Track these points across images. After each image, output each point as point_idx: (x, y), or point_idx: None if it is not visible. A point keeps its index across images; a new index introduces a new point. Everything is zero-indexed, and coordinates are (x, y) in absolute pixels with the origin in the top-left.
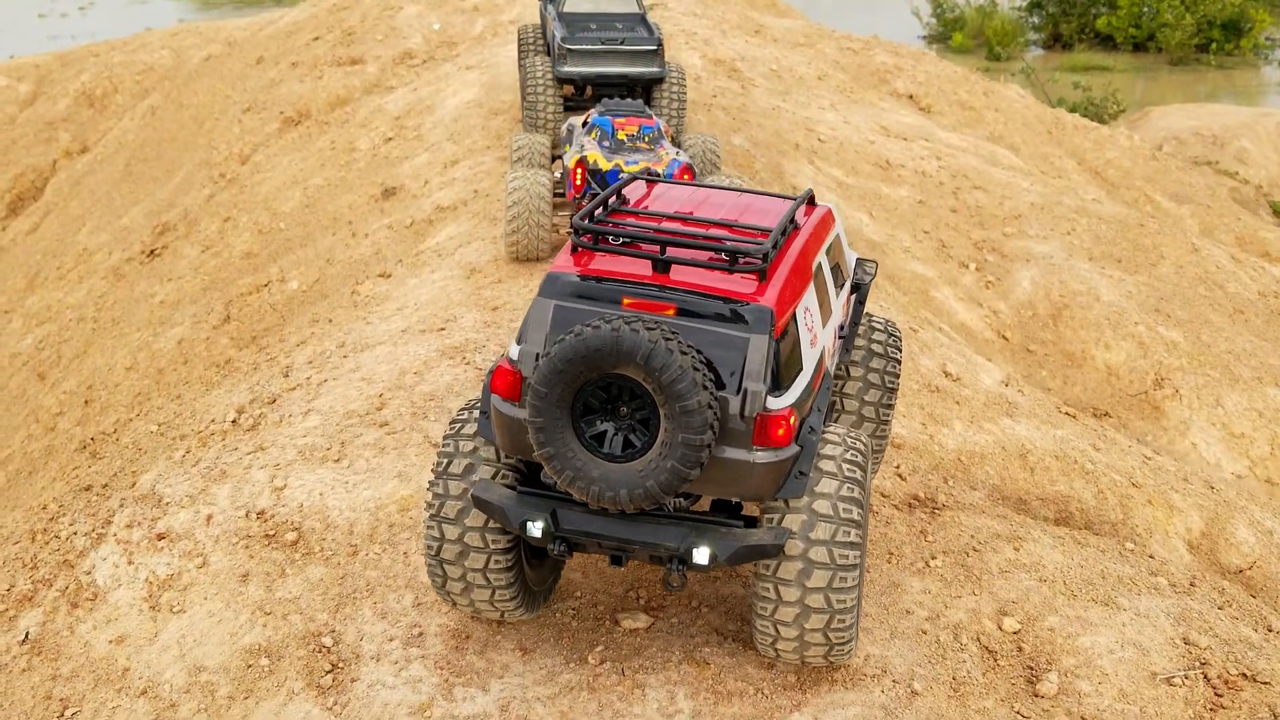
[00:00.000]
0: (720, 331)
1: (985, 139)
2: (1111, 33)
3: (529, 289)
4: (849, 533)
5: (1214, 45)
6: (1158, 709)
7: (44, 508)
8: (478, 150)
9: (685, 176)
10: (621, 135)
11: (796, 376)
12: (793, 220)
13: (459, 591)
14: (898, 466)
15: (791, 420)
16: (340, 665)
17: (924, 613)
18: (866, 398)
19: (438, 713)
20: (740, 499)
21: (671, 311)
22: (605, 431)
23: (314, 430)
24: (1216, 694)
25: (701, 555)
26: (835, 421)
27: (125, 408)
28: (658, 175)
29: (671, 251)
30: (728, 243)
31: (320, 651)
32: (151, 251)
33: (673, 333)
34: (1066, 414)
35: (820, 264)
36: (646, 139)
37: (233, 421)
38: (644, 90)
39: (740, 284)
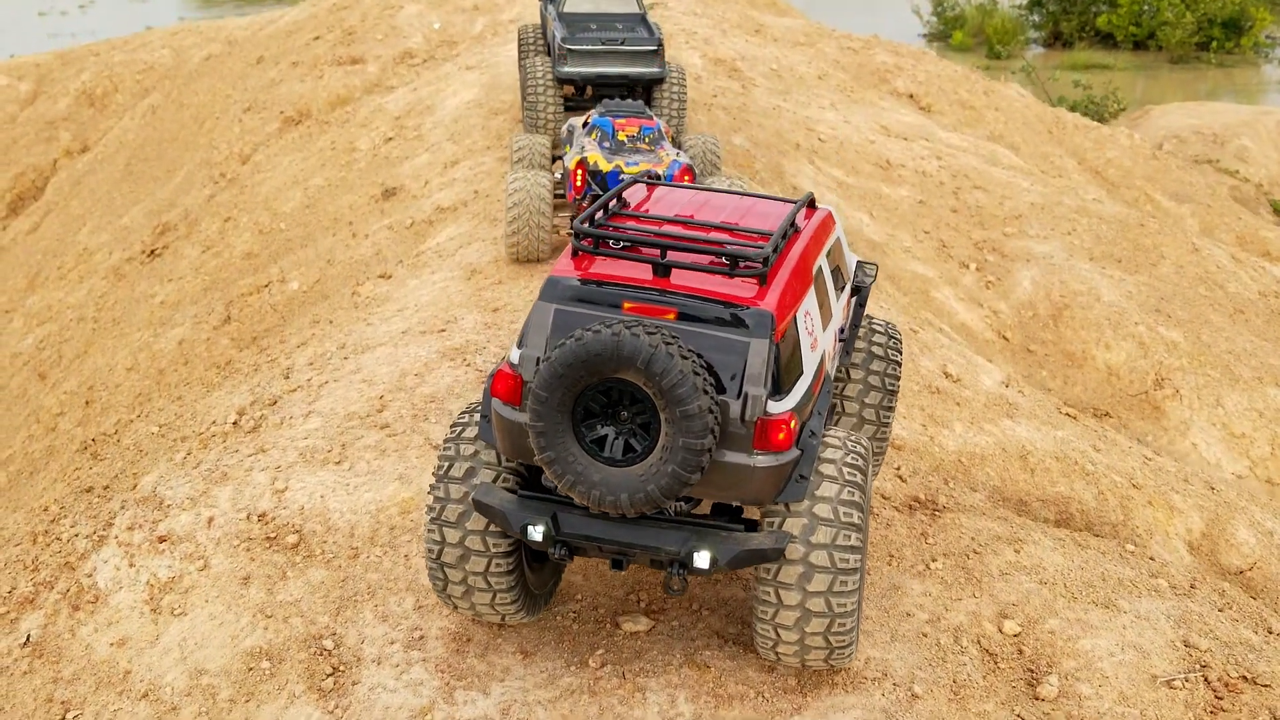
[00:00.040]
0: (721, 336)
1: (985, 138)
2: (1112, 31)
3: (529, 290)
4: (849, 536)
5: (1214, 43)
6: (1158, 712)
7: (45, 509)
8: (478, 150)
9: (686, 177)
10: (622, 136)
11: (797, 380)
12: (793, 224)
13: (460, 595)
14: (898, 468)
15: (792, 424)
16: (341, 668)
17: (924, 615)
18: (867, 400)
19: (439, 716)
20: (741, 503)
21: (672, 316)
22: (606, 436)
23: (315, 432)
24: (1217, 696)
25: (702, 559)
26: (835, 424)
27: (126, 408)
28: (658, 177)
29: (672, 255)
30: (728, 247)
31: (321, 654)
32: (152, 251)
33: (673, 337)
34: (1067, 415)
35: (821, 267)
36: (647, 140)
37: (234, 423)
38: (644, 90)
39: (741, 288)
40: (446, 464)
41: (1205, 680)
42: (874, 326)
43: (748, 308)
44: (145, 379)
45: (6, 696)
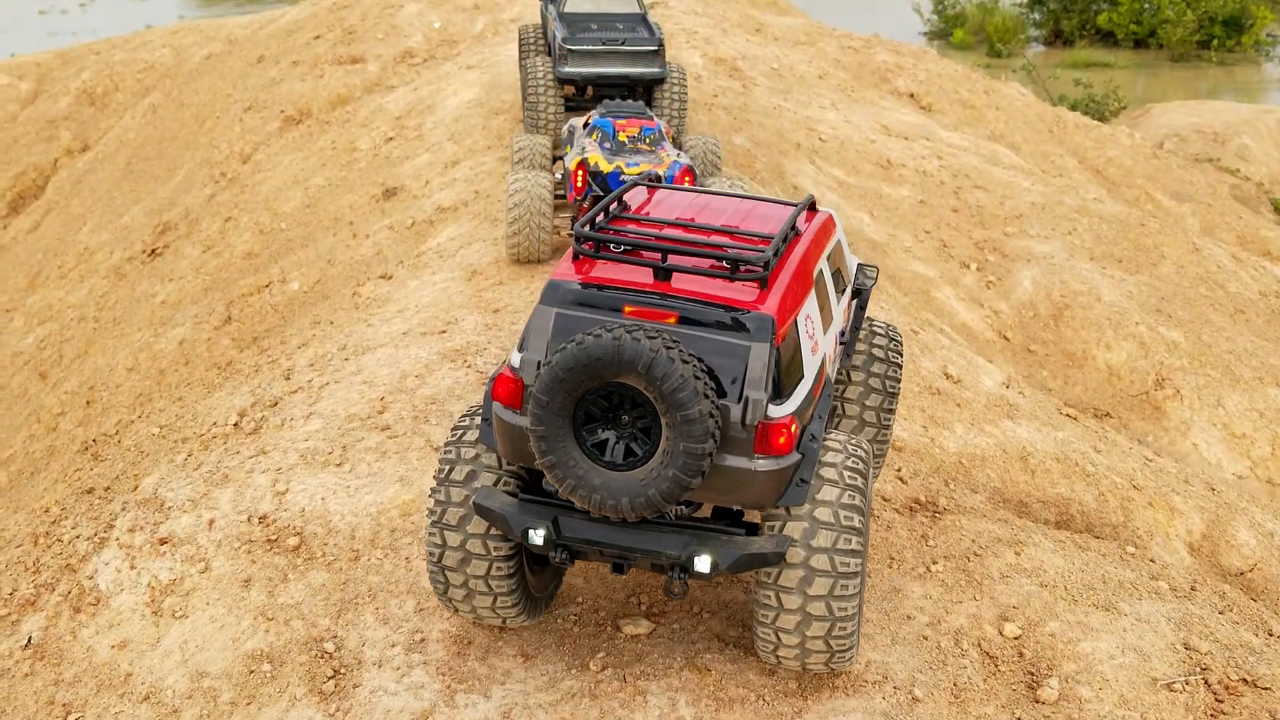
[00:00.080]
0: (721, 340)
1: (986, 138)
2: (1113, 29)
3: (530, 291)
4: (850, 540)
5: (1215, 42)
6: (1158, 715)
7: (46, 511)
8: (479, 150)
9: (686, 178)
10: (622, 137)
11: (798, 384)
12: (794, 227)
13: (461, 598)
14: (899, 470)
15: (793, 428)
16: (342, 671)
17: (925, 618)
18: (868, 402)
19: (439, 719)
20: (741, 507)
21: (673, 320)
22: (607, 440)
23: (316, 434)
24: (1217, 700)
25: (703, 563)
26: (836, 426)
27: (127, 409)
28: (659, 178)
29: (673, 259)
30: (729, 251)
31: (322, 657)
32: (153, 251)
33: (674, 341)
34: (1067, 416)
35: (821, 270)
36: (647, 140)
37: (234, 424)
38: (645, 91)
39: (741, 292)
40: (447, 467)
41: (1205, 683)
42: (874, 329)
43: (748, 312)
44: (146, 379)
45: (8, 699)
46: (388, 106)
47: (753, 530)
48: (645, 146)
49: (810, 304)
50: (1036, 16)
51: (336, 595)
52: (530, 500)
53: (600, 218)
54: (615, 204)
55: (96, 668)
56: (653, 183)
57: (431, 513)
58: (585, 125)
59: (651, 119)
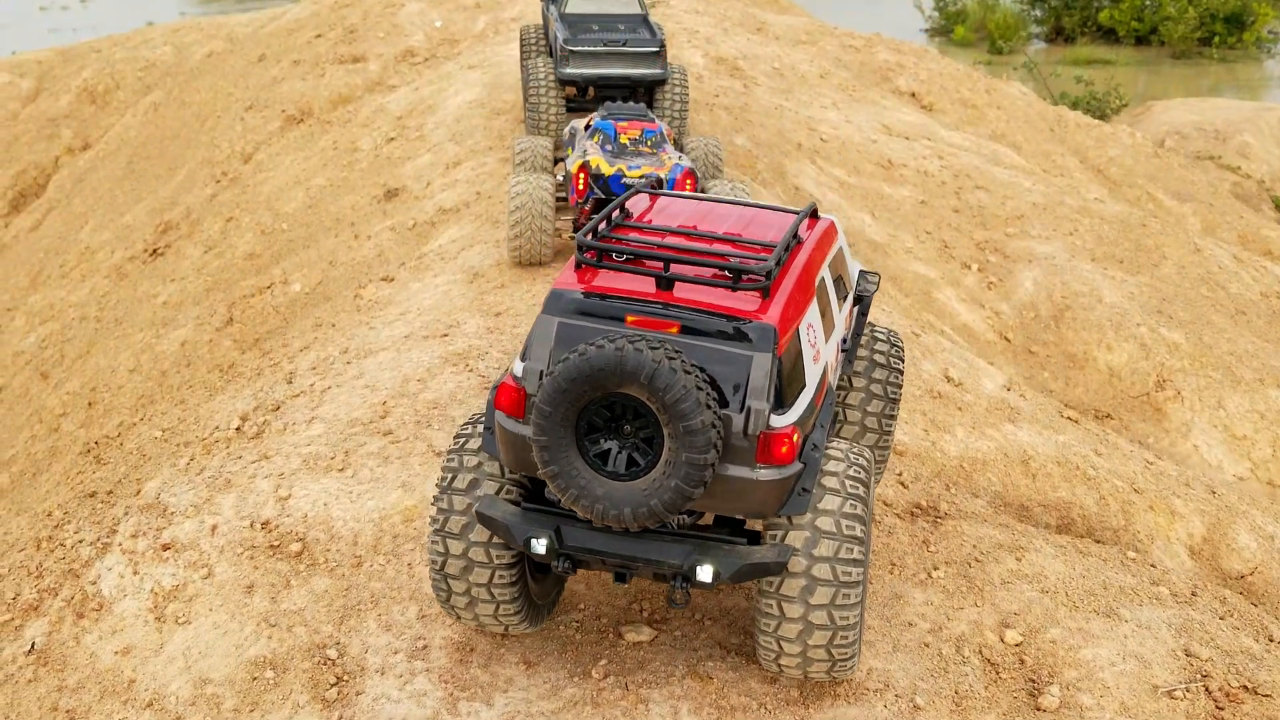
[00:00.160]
0: (724, 349)
1: (987, 137)
2: (1114, 26)
3: (531, 294)
4: (852, 549)
5: (1216, 39)
6: None
7: (49, 514)
8: (480, 151)
9: (688, 181)
10: (624, 139)
11: (799, 394)
12: (795, 235)
13: (463, 606)
14: (900, 474)
15: (795, 438)
16: (345, 678)
17: (926, 625)
18: (869, 408)
19: None
20: (743, 516)
21: (675, 329)
22: (609, 450)
23: (318, 439)
24: (1218, 707)
25: (705, 573)
26: (837, 432)
27: (129, 410)
28: (661, 181)
29: (675, 268)
30: (731, 260)
31: (325, 664)
32: (154, 250)
33: (676, 351)
34: (1068, 419)
35: (823, 278)
36: (649, 143)
37: (237, 429)
38: (647, 92)
39: (743, 301)
40: (450, 475)
41: (1206, 690)
42: (876, 334)
43: (751, 322)
44: (148, 380)
45: (12, 705)
46: (389, 106)
47: (755, 539)
48: (647, 149)
49: (812, 313)
50: (1038, 13)
51: (339, 601)
52: (533, 509)
53: (603, 226)
54: (617, 212)
55: (100, 674)
56: (655, 189)
57: (434, 521)
58: (587, 127)
59: (653, 121)
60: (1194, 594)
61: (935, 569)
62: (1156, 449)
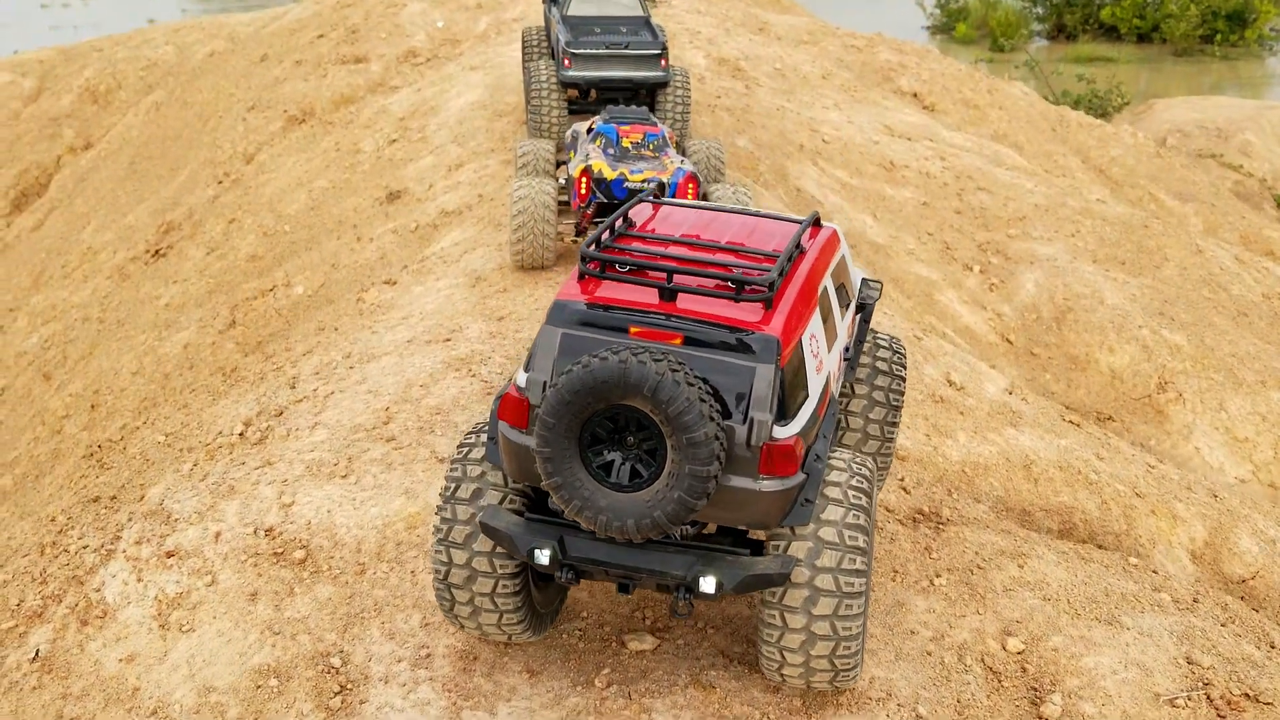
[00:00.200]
0: (727, 360)
1: (989, 137)
2: (1116, 24)
3: (534, 299)
4: (855, 560)
5: (1218, 36)
6: None
7: (52, 520)
8: (482, 153)
9: (690, 185)
10: (626, 143)
11: (802, 404)
12: (798, 245)
13: (467, 615)
14: (902, 479)
15: (798, 449)
16: (349, 686)
17: (929, 633)
18: (871, 415)
19: None
20: (746, 526)
21: (678, 340)
22: (613, 461)
23: (321, 445)
24: (1219, 715)
25: (708, 584)
26: (840, 440)
27: (132, 413)
28: (663, 185)
29: (678, 279)
30: (734, 271)
31: (329, 672)
32: (156, 251)
33: (679, 363)
34: (1070, 422)
35: (826, 288)
36: (651, 147)
37: (240, 434)
38: (648, 94)
39: (746, 312)
40: (453, 485)
41: (1208, 698)
42: (878, 341)
43: (753, 333)
44: (151, 383)
45: (16, 712)
46: (391, 107)
47: (758, 549)
48: (649, 152)
49: (815, 323)
50: (1039, 11)
51: (343, 609)
52: (536, 520)
53: (605, 236)
54: (620, 221)
55: (104, 681)
56: (657, 197)
57: (438, 530)
58: (589, 131)
59: (655, 125)
60: (1195, 600)
61: (937, 576)
62: (1158, 451)
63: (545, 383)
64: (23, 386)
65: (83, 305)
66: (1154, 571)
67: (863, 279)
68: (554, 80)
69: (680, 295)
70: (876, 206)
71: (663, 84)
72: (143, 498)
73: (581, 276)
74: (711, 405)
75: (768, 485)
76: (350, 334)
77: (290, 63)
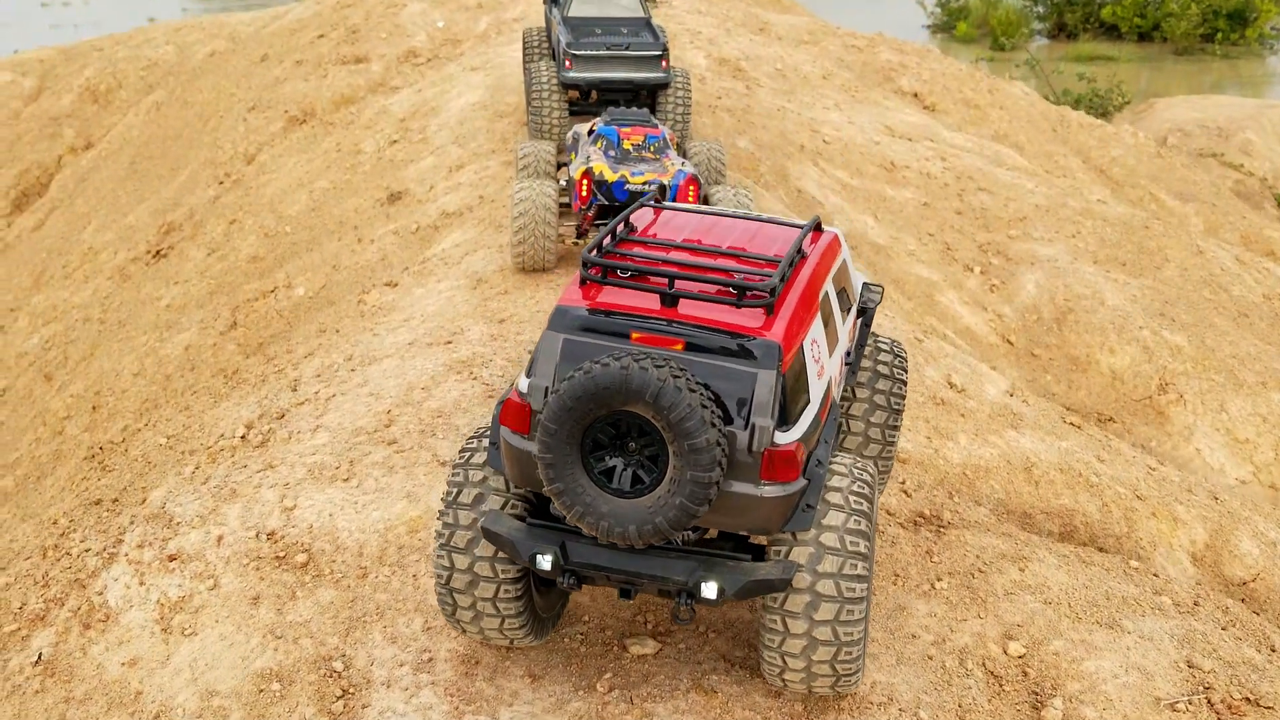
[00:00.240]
0: (728, 366)
1: (990, 138)
2: (1116, 22)
3: (535, 301)
4: (856, 565)
5: (1219, 35)
6: None
7: (54, 522)
8: (483, 154)
9: (691, 188)
10: (627, 145)
11: (804, 410)
12: (799, 250)
13: (469, 620)
14: (903, 482)
15: (799, 454)
16: (351, 690)
17: (930, 637)
18: (873, 419)
19: None
20: (748, 532)
21: (680, 346)
22: (614, 467)
23: (323, 448)
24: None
25: (709, 590)
26: (841, 444)
27: (133, 415)
28: (664, 188)
29: (679, 285)
30: (736, 277)
31: (331, 676)
32: (157, 252)
33: (681, 369)
34: (1071, 424)
35: (827, 293)
36: (652, 148)
37: (242, 437)
38: (649, 95)
39: (748, 318)
40: (455, 490)
41: (1209, 702)
42: (879, 345)
43: (755, 339)
44: (152, 384)
45: (19, 716)
46: (392, 108)
47: (759, 555)
48: (650, 154)
49: (816, 328)
50: (1040, 9)
51: (345, 613)
52: (538, 525)
53: (607, 241)
54: (621, 226)
55: (107, 685)
56: (658, 201)
57: (439, 535)
58: (590, 133)
59: (656, 126)
60: (1196, 604)
61: (938, 580)
62: (1159, 452)
63: (547, 388)
64: (24, 387)
65: (84, 306)
66: (1155, 575)
67: (864, 283)
68: (555, 81)
69: (682, 301)
70: (877, 207)
71: (663, 85)
72: (144, 500)
73: (583, 282)
74: (713, 411)
75: (769, 491)
76: (351, 336)
77: (291, 63)
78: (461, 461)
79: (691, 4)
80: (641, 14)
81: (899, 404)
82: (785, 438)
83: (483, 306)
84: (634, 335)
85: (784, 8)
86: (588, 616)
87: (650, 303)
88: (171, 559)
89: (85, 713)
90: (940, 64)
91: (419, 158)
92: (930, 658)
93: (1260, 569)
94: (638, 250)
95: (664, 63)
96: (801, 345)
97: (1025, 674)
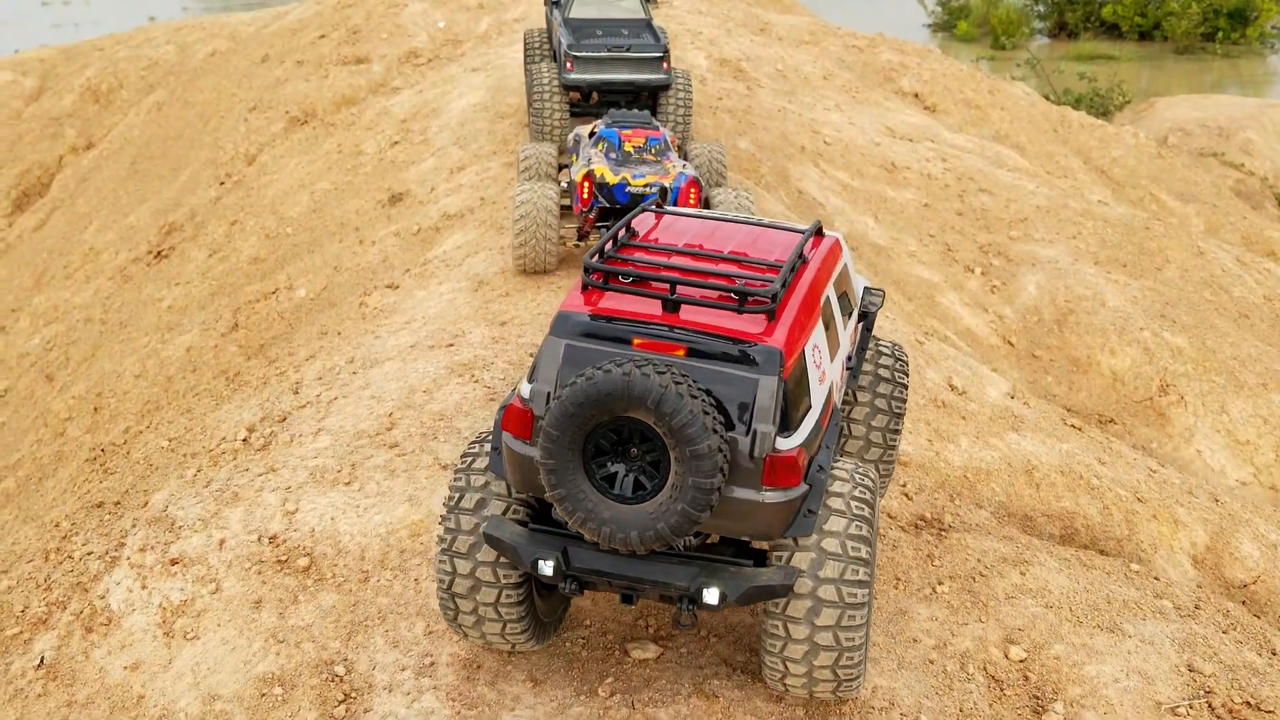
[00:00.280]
0: (730, 372)
1: (991, 138)
2: (1117, 21)
3: (536, 303)
4: (858, 571)
5: (1220, 34)
6: None
7: (56, 525)
8: (484, 155)
9: (692, 190)
10: (628, 147)
11: (805, 415)
12: (801, 255)
13: (471, 624)
14: (904, 485)
15: (800, 460)
16: (353, 695)
17: (931, 641)
18: (874, 423)
19: None
20: (749, 537)
21: (681, 352)
22: (616, 473)
23: (324, 451)
24: None
25: (711, 595)
26: (842, 446)
27: (135, 416)
28: (665, 191)
29: (681, 290)
30: (737, 283)
31: (333, 681)
32: (158, 253)
33: (683, 375)
34: (1072, 426)
35: (828, 297)
36: (653, 150)
37: (243, 440)
38: (650, 97)
39: (749, 324)
40: (457, 495)
41: (1209, 707)
42: (880, 348)
43: (756, 344)
44: (154, 386)
45: None
46: (393, 109)
47: (761, 560)
48: (651, 157)
49: (817, 333)
50: (1041, 9)
51: (346, 617)
52: (540, 530)
53: (609, 246)
54: (623, 232)
55: (109, 689)
56: (660, 206)
57: (441, 540)
58: (591, 135)
59: (657, 129)
60: (1197, 607)
61: (940, 584)
62: (1160, 454)
63: (549, 394)
64: (25, 388)
65: (85, 306)
66: (1155, 578)
67: (865, 287)
68: (556, 83)
69: (683, 306)
70: (878, 208)
71: (664, 87)
72: (146, 504)
73: (585, 287)
74: (715, 417)
75: (771, 496)
76: (353, 338)
77: (292, 63)
78: (463, 466)
79: (692, 4)
80: (642, 15)
81: (900, 408)
82: (787, 443)
83: (484, 309)
84: (636, 341)
85: (785, 8)
86: (589, 621)
87: (652, 308)
88: (173, 563)
89: (87, 717)
90: (941, 64)
91: (420, 159)
92: (931, 662)
93: (1261, 571)
94: (639, 255)
95: (665, 64)
96: (803, 351)
97: (1026, 678)
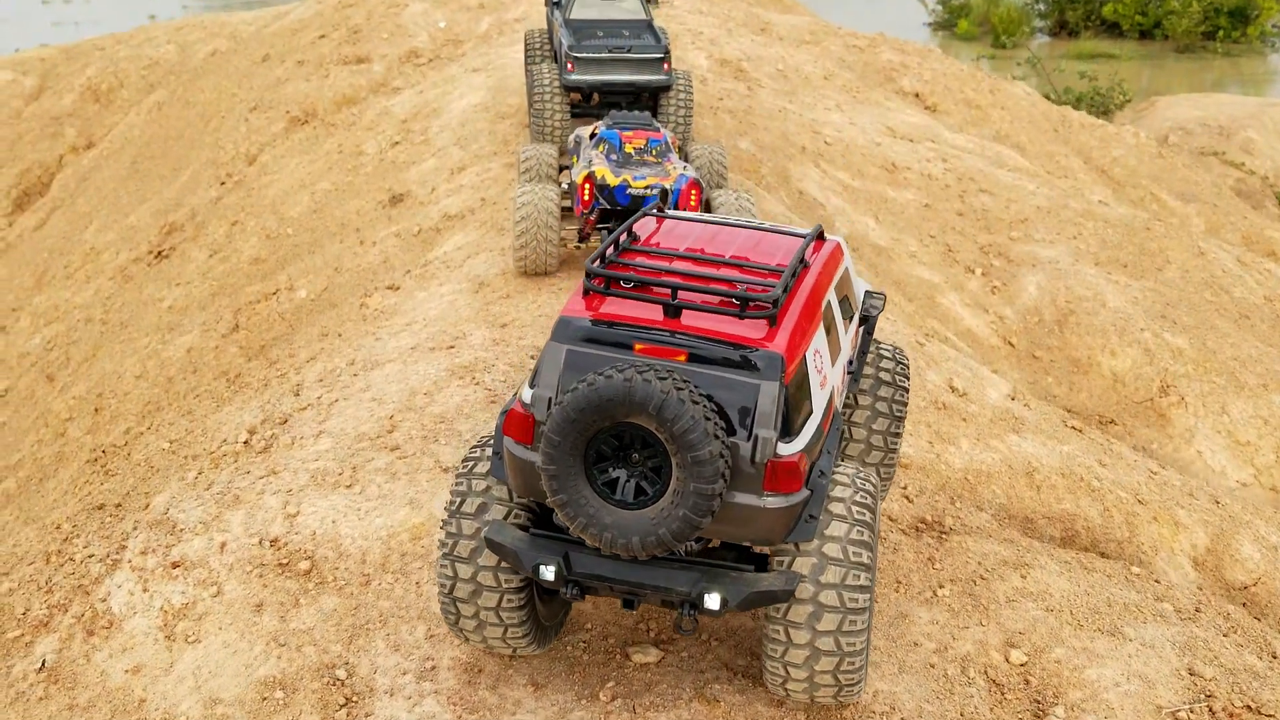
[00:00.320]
0: (731, 378)
1: (991, 138)
2: (1118, 20)
3: (537, 305)
4: (859, 576)
5: (1221, 33)
6: None
7: (57, 527)
8: (485, 156)
9: (693, 192)
10: (629, 149)
11: (806, 420)
12: (802, 259)
13: (472, 628)
14: (905, 487)
15: (802, 465)
16: (354, 699)
17: (932, 645)
18: (875, 426)
19: None
20: (750, 542)
21: (682, 357)
22: (618, 478)
23: (325, 454)
24: None
25: (713, 601)
26: (844, 450)
27: (135, 417)
28: (666, 193)
29: (682, 296)
30: (738, 288)
31: (334, 684)
32: (159, 253)
33: (685, 381)
34: (1073, 428)
35: (829, 302)
36: (654, 152)
37: (245, 442)
38: (651, 97)
39: (751, 329)
40: (459, 499)
41: (1210, 710)
42: (881, 352)
43: (758, 350)
44: (154, 387)
45: None
46: (394, 109)
47: (762, 565)
48: (652, 158)
49: (819, 338)
50: (1041, 7)
51: (348, 621)
52: (541, 535)
53: (610, 251)
54: (624, 236)
55: (110, 692)
56: (661, 210)
57: (443, 545)
58: (592, 136)
59: (658, 130)
60: (1198, 610)
61: (940, 587)
62: (1160, 455)
63: (550, 399)
64: (26, 388)
65: (85, 306)
66: (1156, 581)
67: (866, 291)
68: (557, 84)
69: (685, 311)
70: (879, 209)
71: (665, 87)
72: (148, 506)
73: (586, 292)
74: (716, 423)
75: (772, 502)
76: (354, 340)
77: (292, 63)
78: (465, 471)
79: (692, 4)
80: (643, 16)
81: (901, 411)
82: (788, 449)
83: (485, 310)
84: (637, 346)
85: (785, 7)
86: (590, 625)
87: (653, 313)
88: (175, 565)
89: None
90: (941, 64)
91: (420, 159)
92: (932, 666)
93: (1261, 573)
94: (641, 260)
95: (666, 65)
96: (804, 356)
97: (1027, 682)
